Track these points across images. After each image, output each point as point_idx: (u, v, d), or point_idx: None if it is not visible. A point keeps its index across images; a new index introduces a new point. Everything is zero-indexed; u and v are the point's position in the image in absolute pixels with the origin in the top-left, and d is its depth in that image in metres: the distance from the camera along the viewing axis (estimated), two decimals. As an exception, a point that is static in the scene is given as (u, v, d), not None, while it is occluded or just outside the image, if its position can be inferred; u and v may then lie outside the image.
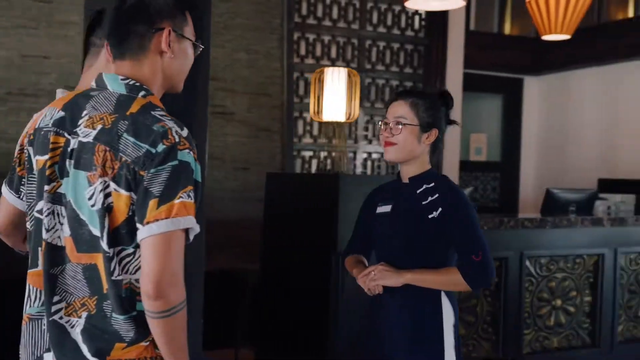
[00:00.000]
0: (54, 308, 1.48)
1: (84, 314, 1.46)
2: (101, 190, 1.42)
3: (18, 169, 1.65)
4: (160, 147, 1.40)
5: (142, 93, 1.51)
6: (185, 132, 1.45)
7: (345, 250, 2.46)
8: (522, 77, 8.81)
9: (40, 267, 1.52)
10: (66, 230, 1.48)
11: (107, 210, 1.42)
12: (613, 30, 7.71)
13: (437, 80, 7.26)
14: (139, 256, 1.42)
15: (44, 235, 1.50)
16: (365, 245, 2.40)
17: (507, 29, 8.86)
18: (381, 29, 6.76)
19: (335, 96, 3.98)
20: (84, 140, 1.47)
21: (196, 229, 1.43)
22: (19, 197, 1.66)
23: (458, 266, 2.17)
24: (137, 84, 1.52)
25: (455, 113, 8.63)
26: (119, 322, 1.44)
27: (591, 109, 8.09)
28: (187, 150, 1.42)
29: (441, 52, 7.03)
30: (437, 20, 6.92)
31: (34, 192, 1.55)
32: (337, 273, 3.29)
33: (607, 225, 4.32)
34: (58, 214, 1.49)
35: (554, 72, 8.54)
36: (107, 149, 1.43)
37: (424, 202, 2.21)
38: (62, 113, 1.53)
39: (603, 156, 7.90)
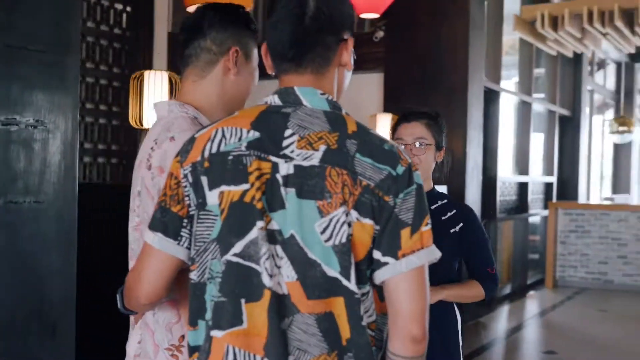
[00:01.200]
0: None
1: None
2: (344, 222, 1.24)
3: (176, 208, 1.33)
4: (400, 169, 1.29)
5: (343, 110, 1.37)
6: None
7: None
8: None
9: (245, 325, 1.26)
10: (289, 275, 1.26)
11: (349, 243, 1.25)
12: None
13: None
14: (371, 295, 1.30)
15: (267, 282, 1.25)
16: None
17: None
18: (90, 24, 6.10)
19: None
20: (305, 163, 1.27)
21: (438, 257, 1.31)
22: (178, 244, 1.33)
23: (477, 279, 2.28)
24: (334, 99, 1.37)
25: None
26: None
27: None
28: (418, 172, 1.33)
29: (147, 53, 6.58)
30: (145, 19, 6.48)
31: (208, 232, 1.30)
32: None
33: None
34: (274, 256, 1.26)
35: (274, 78, 8.90)
36: (344, 172, 1.26)
37: (443, 218, 2.28)
38: (256, 134, 1.30)
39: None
